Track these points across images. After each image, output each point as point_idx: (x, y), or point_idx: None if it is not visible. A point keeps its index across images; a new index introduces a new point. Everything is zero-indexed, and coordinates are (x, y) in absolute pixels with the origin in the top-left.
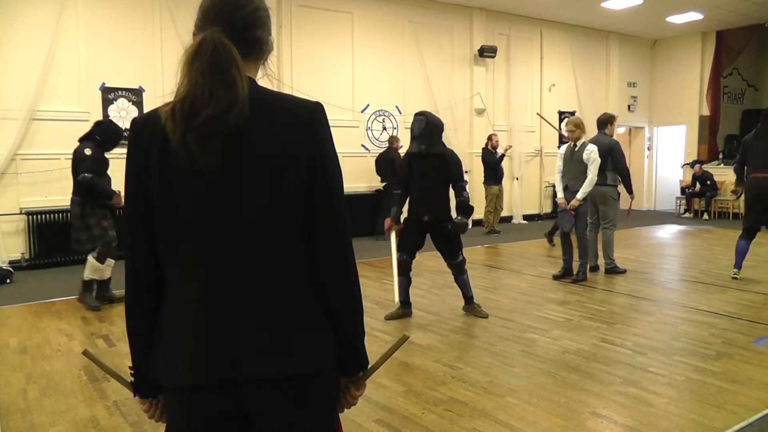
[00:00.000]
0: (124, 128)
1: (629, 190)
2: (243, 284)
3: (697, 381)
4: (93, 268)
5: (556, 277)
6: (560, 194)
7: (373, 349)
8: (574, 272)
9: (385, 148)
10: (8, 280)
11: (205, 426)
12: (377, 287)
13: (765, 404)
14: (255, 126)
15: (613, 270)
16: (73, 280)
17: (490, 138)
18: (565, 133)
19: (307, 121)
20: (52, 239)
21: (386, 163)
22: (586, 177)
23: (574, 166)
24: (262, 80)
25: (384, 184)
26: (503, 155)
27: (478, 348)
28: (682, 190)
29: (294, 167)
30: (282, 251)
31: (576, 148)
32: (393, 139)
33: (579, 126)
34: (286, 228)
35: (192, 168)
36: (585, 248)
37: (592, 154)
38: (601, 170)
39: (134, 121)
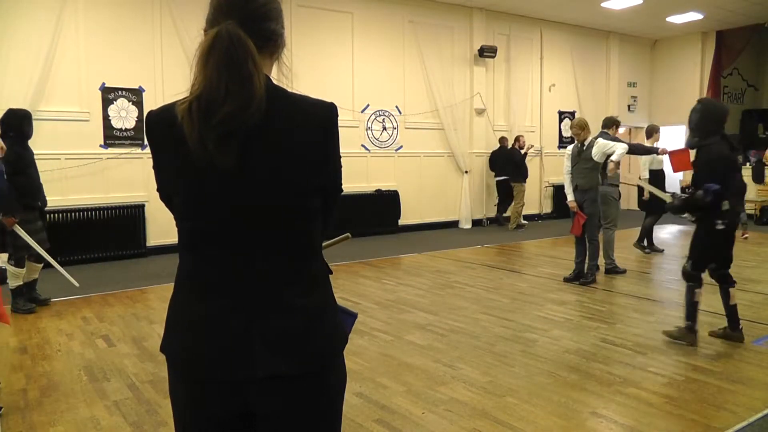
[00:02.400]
0: (124, 127)
1: (652, 150)
2: (252, 282)
3: (697, 381)
4: (14, 275)
5: (566, 280)
6: (570, 196)
7: (372, 348)
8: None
9: (497, 147)
10: (7, 281)
11: (209, 421)
12: (377, 287)
13: (765, 404)
14: (271, 124)
15: (613, 270)
16: (74, 279)
17: (517, 139)
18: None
19: (323, 123)
20: (51, 239)
21: (504, 159)
22: (596, 176)
23: (582, 165)
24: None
25: (502, 178)
26: (525, 153)
27: (478, 348)
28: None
29: (309, 167)
30: (291, 250)
31: (584, 148)
32: (504, 139)
33: (584, 128)
34: (296, 227)
35: (208, 167)
36: (595, 250)
37: (607, 145)
38: (604, 169)
39: (149, 116)
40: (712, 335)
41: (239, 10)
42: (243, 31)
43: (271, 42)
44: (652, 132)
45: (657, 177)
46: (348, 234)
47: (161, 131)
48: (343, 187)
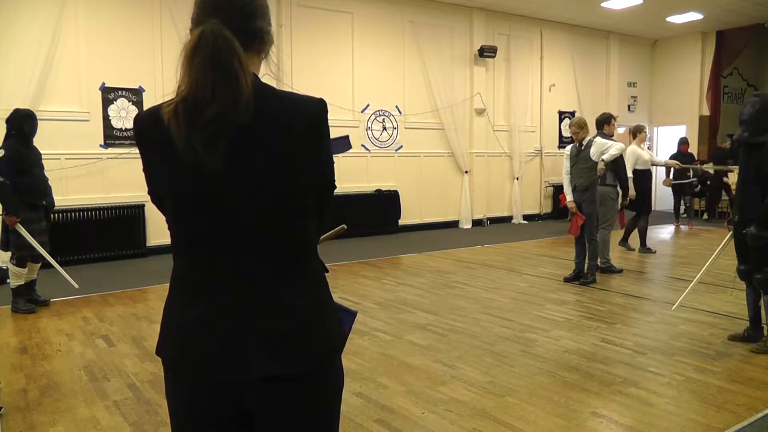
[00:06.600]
0: (124, 127)
1: (624, 196)
2: (247, 283)
3: (697, 381)
4: (16, 275)
5: (566, 280)
6: (569, 197)
7: (373, 348)
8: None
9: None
10: (8, 280)
11: (206, 422)
12: (377, 287)
13: (765, 404)
14: (260, 123)
15: (608, 269)
16: (74, 279)
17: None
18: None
19: (313, 119)
20: (51, 239)
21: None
22: (594, 175)
23: (581, 165)
24: (264, 79)
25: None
26: None
27: (478, 348)
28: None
29: (300, 165)
30: (286, 250)
31: (582, 147)
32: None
33: (583, 127)
34: (290, 226)
35: (197, 168)
36: (595, 250)
37: (605, 145)
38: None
39: (137, 118)
40: (731, 339)
41: (224, 8)
42: (228, 30)
43: (257, 40)
44: (636, 132)
45: (643, 176)
46: (343, 225)
47: (150, 134)
48: (336, 184)
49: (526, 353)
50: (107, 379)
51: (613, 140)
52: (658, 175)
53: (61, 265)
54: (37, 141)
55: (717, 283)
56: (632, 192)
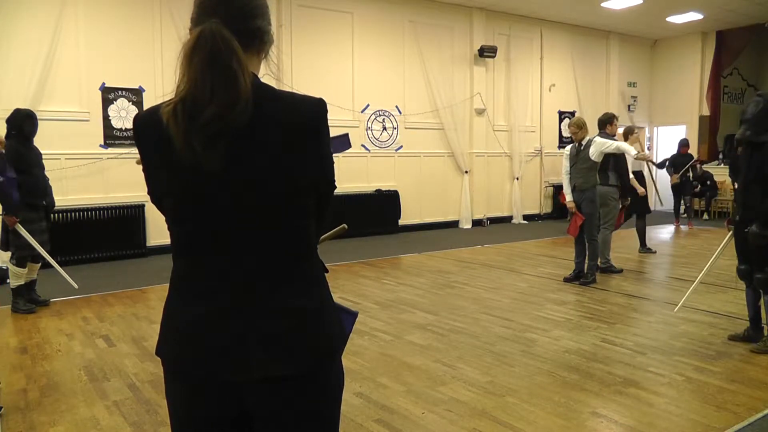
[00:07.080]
0: (124, 127)
1: (624, 197)
2: (246, 283)
3: (697, 381)
4: (16, 275)
5: (566, 280)
6: (569, 197)
7: (372, 348)
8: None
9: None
10: (8, 280)
11: (206, 423)
12: (377, 287)
13: (765, 404)
14: (259, 123)
15: (608, 269)
16: (74, 279)
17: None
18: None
19: (312, 119)
20: (51, 239)
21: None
22: (594, 175)
23: (580, 165)
24: (264, 79)
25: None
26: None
27: (478, 348)
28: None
29: (299, 165)
30: (286, 250)
31: (582, 147)
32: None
33: (582, 127)
34: (290, 226)
35: (196, 168)
36: (595, 250)
37: (605, 144)
38: (603, 170)
39: (136, 119)
40: (731, 339)
41: (223, 8)
42: (227, 30)
43: (257, 40)
44: (628, 134)
45: (638, 177)
46: (344, 225)
47: (149, 134)
48: (336, 183)
49: (526, 353)
50: (107, 379)
51: (614, 140)
52: (660, 175)
53: (61, 265)
54: (37, 141)
55: (717, 283)
56: (641, 189)
